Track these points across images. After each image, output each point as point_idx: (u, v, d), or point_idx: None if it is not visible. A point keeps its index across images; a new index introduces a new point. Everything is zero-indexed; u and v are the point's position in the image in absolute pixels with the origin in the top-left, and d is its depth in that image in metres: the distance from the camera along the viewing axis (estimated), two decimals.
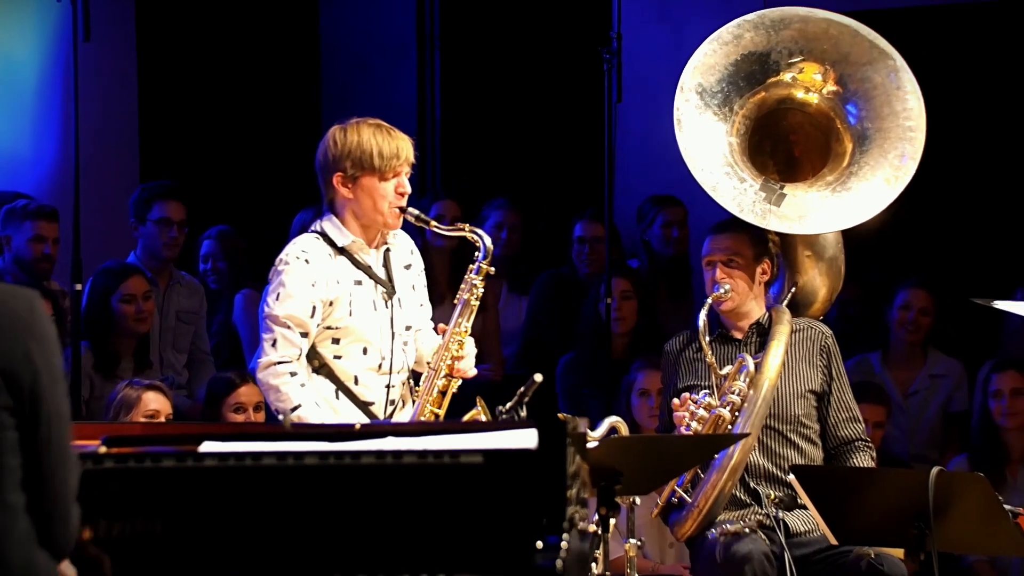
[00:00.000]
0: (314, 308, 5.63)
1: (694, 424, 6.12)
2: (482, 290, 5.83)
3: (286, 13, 10.45)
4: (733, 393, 6.15)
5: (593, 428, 5.43)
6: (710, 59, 6.48)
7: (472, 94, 10.56)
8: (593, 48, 8.72)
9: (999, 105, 9.39)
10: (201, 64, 9.89)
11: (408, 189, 5.72)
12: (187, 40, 9.83)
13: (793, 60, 6.50)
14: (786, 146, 6.60)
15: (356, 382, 5.70)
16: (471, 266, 5.82)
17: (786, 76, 6.51)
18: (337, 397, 5.68)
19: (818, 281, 6.53)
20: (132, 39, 9.50)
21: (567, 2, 10.13)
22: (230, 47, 10.03)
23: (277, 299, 5.64)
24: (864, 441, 6.33)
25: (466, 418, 5.66)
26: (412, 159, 5.73)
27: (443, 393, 5.71)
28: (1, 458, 3.45)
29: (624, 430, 5.66)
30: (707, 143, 6.43)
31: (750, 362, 6.19)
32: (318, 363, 5.68)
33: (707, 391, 6.20)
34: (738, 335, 6.36)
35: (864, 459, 6.27)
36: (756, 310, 6.37)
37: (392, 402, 5.73)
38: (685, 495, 6.16)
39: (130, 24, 9.48)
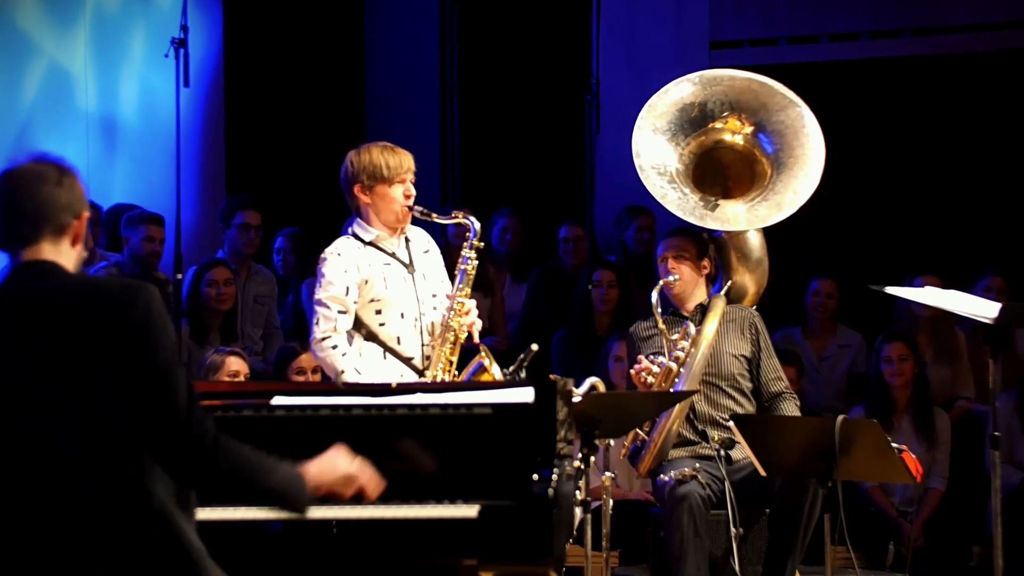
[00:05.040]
0: (348, 288, 5.62)
1: (650, 378, 6.14)
2: (476, 262, 5.78)
3: (339, 67, 10.45)
4: (679, 350, 6.18)
5: (577, 386, 5.42)
6: (660, 107, 6.52)
7: (482, 127, 10.55)
8: (577, 91, 8.74)
9: (885, 137, 9.41)
10: (274, 104, 9.89)
11: (413, 192, 5.71)
12: (264, 86, 9.83)
13: (724, 113, 6.54)
14: (722, 179, 6.63)
15: (399, 342, 5.66)
16: (464, 243, 5.80)
17: (718, 124, 6.56)
18: (385, 357, 5.64)
19: (747, 279, 6.56)
20: (221, 84, 9.50)
21: (557, 55, 10.11)
22: (297, 91, 10.03)
23: (320, 286, 5.66)
24: (790, 392, 6.35)
25: (473, 361, 5.65)
26: (413, 168, 5.72)
27: (454, 344, 5.69)
28: (121, 414, 3.32)
29: (602, 388, 5.63)
30: (658, 164, 6.46)
31: (692, 328, 6.22)
32: (366, 332, 5.66)
33: (660, 355, 6.22)
34: (686, 314, 6.38)
35: (791, 406, 6.29)
36: (700, 296, 6.40)
37: (427, 357, 5.69)
38: (647, 437, 6.17)
39: (220, 73, 9.48)
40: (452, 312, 5.70)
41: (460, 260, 5.79)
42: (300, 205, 9.60)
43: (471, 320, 5.71)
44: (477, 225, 5.81)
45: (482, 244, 5.83)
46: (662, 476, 6.07)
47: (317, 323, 5.63)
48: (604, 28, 9.17)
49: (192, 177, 8.93)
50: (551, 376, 4.25)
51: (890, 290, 5.87)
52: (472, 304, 5.75)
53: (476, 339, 5.74)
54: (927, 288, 6.28)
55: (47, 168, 3.46)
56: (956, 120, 9.34)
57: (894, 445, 5.45)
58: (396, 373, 5.62)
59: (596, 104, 8.55)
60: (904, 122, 9.42)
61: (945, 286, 6.56)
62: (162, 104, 8.80)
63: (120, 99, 8.98)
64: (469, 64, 10.56)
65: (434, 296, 5.77)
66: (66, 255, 3.45)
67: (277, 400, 4.22)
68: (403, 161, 5.70)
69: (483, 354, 5.64)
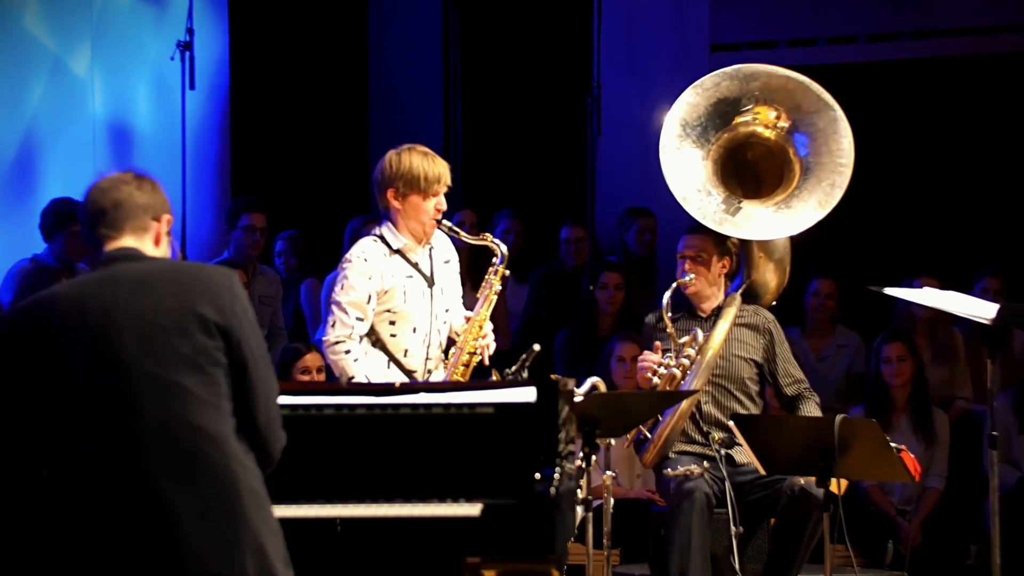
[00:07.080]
0: (370, 296, 5.56)
1: (655, 379, 6.13)
2: (499, 287, 5.76)
3: (343, 68, 10.46)
4: (684, 357, 6.17)
5: (579, 386, 5.42)
6: (694, 100, 6.35)
7: (485, 129, 10.55)
8: (578, 94, 8.74)
9: (883, 139, 9.41)
10: (279, 105, 9.89)
11: (444, 207, 5.63)
12: (269, 87, 9.83)
13: (760, 105, 6.43)
14: (751, 170, 6.51)
15: (406, 355, 5.63)
16: (491, 268, 5.76)
17: (753, 116, 6.45)
18: (388, 367, 5.61)
19: (768, 276, 6.48)
20: (227, 87, 9.51)
21: (558, 58, 10.12)
22: (301, 92, 10.04)
23: (341, 289, 5.58)
24: (808, 391, 6.32)
25: None
26: (449, 182, 5.63)
27: (467, 366, 5.68)
28: (218, 387, 3.49)
29: (603, 388, 5.63)
30: (683, 165, 6.32)
31: (700, 335, 6.19)
32: (374, 339, 5.63)
33: (669, 353, 6.21)
34: (702, 314, 6.34)
35: (812, 404, 6.27)
36: (717, 296, 6.35)
37: (429, 371, 5.67)
38: (648, 433, 6.17)
39: (225, 76, 9.48)
40: (469, 335, 5.69)
41: (484, 284, 5.75)
42: (305, 206, 9.60)
43: (487, 342, 5.70)
44: (504, 250, 5.76)
45: (508, 272, 5.79)
46: (667, 471, 6.08)
47: (333, 325, 5.58)
48: (605, 31, 9.18)
49: (198, 179, 8.92)
50: (553, 376, 4.25)
51: (889, 291, 5.88)
52: (490, 327, 5.74)
53: (487, 361, 5.72)
54: (925, 289, 6.28)
55: (125, 175, 3.69)
56: (953, 123, 9.35)
57: (893, 444, 5.46)
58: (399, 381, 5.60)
59: (597, 106, 8.56)
60: (902, 125, 9.42)
61: (943, 287, 6.56)
62: (168, 106, 8.80)
63: (126, 102, 8.98)
64: (472, 67, 10.57)
65: (447, 311, 5.76)
66: (150, 251, 3.63)
67: (282, 400, 4.21)
68: (441, 174, 5.60)
69: (495, 379, 5.63)
